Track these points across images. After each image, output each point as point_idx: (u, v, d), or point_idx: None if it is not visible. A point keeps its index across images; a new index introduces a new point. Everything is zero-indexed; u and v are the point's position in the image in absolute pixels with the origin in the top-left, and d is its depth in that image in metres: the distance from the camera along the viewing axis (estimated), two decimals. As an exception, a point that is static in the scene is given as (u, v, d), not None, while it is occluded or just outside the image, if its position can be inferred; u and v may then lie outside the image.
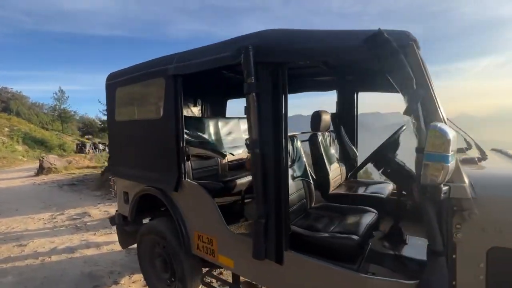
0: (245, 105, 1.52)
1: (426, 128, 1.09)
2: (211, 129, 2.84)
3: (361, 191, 2.48)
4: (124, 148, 2.59)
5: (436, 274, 1.09)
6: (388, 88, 2.40)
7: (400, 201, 1.92)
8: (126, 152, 2.57)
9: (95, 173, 10.59)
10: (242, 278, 1.95)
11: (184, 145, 2.03)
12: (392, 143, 1.74)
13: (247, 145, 1.77)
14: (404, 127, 1.83)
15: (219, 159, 2.69)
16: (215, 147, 2.72)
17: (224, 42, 1.73)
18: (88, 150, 24.14)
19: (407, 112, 1.15)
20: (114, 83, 2.62)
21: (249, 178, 2.29)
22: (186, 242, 2.05)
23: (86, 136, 37.04)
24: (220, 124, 2.97)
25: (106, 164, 14.73)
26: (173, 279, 2.35)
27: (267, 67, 1.46)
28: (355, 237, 1.47)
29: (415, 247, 1.72)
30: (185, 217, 2.07)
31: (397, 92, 2.65)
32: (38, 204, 6.22)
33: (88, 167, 13.20)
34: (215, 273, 2.33)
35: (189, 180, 2.05)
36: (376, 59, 1.16)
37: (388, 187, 2.50)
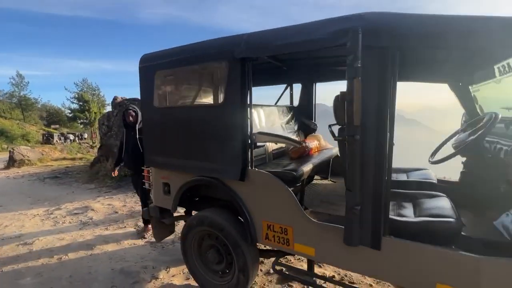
0: (341, 90, 1.48)
1: None
2: (263, 116, 2.75)
3: (405, 177, 2.57)
4: (167, 137, 2.41)
5: None
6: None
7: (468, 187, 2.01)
8: (169, 141, 2.40)
9: (78, 165, 9.86)
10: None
11: (252, 132, 1.94)
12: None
13: (339, 132, 1.74)
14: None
15: (265, 147, 2.62)
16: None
17: (314, 23, 1.65)
18: (56, 140, 22.40)
19: None
20: (152, 65, 2.40)
21: (310, 166, 2.27)
22: (253, 232, 1.99)
23: (53, 126, 34.17)
24: (267, 111, 2.89)
25: (89, 155, 13.83)
26: (227, 270, 2.30)
27: (374, 51, 1.42)
28: (452, 219, 1.53)
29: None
30: (251, 207, 2.00)
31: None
32: (24, 199, 5.66)
33: (65, 158, 12.25)
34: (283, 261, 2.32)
35: (257, 169, 1.98)
36: None
37: (427, 173, 2.61)
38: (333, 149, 3.06)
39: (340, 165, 3.24)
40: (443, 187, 2.31)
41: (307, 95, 3.43)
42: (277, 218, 1.90)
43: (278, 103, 3.44)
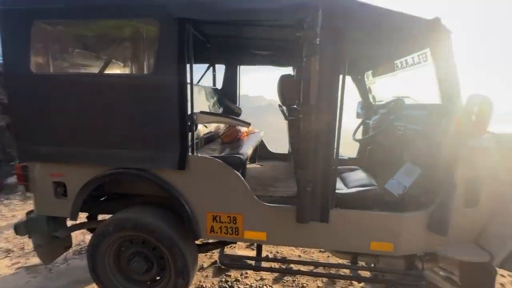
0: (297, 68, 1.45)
1: None
2: (203, 96, 2.36)
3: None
4: (58, 117, 1.72)
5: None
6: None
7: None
8: (64, 123, 1.72)
9: None
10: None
11: (193, 111, 1.64)
12: None
13: (290, 112, 1.70)
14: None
15: (198, 131, 2.32)
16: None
17: None
18: None
19: None
20: (27, 11, 1.62)
21: (250, 149, 2.16)
22: (195, 227, 1.74)
23: None
24: (195, 90, 2.53)
25: None
26: (158, 277, 1.94)
27: (331, 31, 1.44)
28: (377, 187, 1.82)
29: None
30: (193, 199, 1.73)
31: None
32: None
33: None
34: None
35: (200, 155, 1.70)
36: None
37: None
38: (260, 133, 3.09)
39: (264, 149, 3.34)
40: (352, 162, 2.77)
41: (231, 78, 3.29)
42: (225, 207, 1.73)
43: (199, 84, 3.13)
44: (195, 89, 2.31)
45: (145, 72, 1.78)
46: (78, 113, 1.68)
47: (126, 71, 2.20)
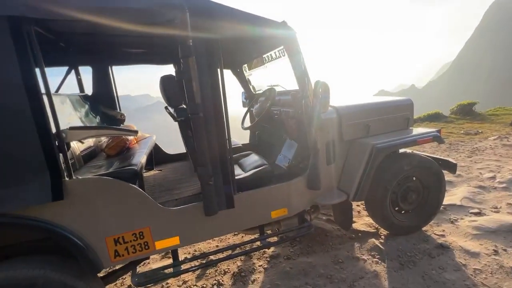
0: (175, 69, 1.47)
1: None
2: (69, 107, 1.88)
3: None
4: None
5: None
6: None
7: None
8: None
9: None
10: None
11: (59, 128, 1.37)
12: None
13: (178, 113, 1.69)
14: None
15: (71, 150, 1.92)
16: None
17: None
18: None
19: None
20: None
21: (143, 157, 2.00)
22: (95, 259, 1.52)
23: None
24: (57, 101, 2.01)
25: None
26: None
27: (201, 32, 1.51)
28: (267, 165, 2.12)
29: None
30: (84, 229, 1.49)
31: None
32: None
33: None
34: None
35: (81, 177, 1.46)
36: None
37: (234, 141, 3.32)
38: (152, 137, 2.90)
39: (160, 153, 3.18)
40: (246, 148, 3.06)
41: (103, 81, 2.86)
42: (127, 226, 1.58)
43: (59, 92, 2.56)
44: (56, 99, 1.92)
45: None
46: None
47: None
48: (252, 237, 2.44)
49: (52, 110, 1.33)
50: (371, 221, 2.77)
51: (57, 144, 1.36)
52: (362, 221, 2.89)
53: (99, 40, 2.35)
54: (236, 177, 1.92)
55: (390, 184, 2.26)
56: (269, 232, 2.28)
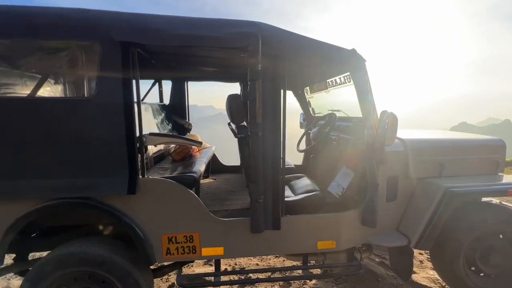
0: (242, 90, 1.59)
1: None
2: (150, 114, 2.27)
3: None
4: None
5: None
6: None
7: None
8: None
9: None
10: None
11: (142, 133, 1.62)
12: None
13: (239, 130, 1.81)
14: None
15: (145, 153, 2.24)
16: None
17: (216, 20, 1.60)
18: None
19: None
20: None
21: (203, 166, 2.19)
22: (150, 252, 1.69)
23: None
24: (142, 108, 2.44)
25: None
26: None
27: (270, 57, 1.61)
28: (318, 192, 2.05)
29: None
30: (146, 223, 1.68)
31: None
32: None
33: None
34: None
35: (151, 177, 1.68)
36: None
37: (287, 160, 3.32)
38: (212, 147, 3.13)
39: (216, 163, 3.39)
40: (298, 169, 3.03)
41: (179, 94, 3.27)
42: (181, 227, 1.72)
43: (144, 101, 3.03)
44: (142, 107, 2.26)
45: (85, 95, 1.67)
46: (6, 141, 1.49)
47: (59, 93, 2.02)
48: (294, 263, 2.34)
49: (139, 117, 1.59)
50: (436, 276, 2.36)
51: (138, 146, 1.60)
52: (425, 274, 2.48)
53: (181, 59, 2.73)
54: (285, 199, 1.91)
55: (466, 238, 1.91)
56: (313, 262, 2.16)
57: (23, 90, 2.02)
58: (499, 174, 2.20)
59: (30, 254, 2.01)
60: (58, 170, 1.54)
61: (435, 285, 2.32)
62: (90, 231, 1.84)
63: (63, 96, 2.07)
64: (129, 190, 1.58)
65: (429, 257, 2.48)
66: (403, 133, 2.32)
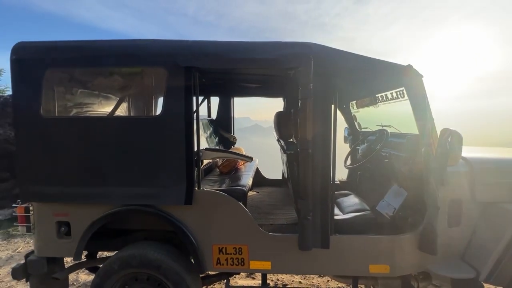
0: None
1: None
2: (201, 129, 2.47)
3: None
4: (65, 158, 1.77)
5: None
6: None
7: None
8: (70, 163, 1.78)
9: None
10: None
11: (199, 148, 1.76)
12: None
13: (288, 146, 1.85)
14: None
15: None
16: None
17: (268, 43, 1.71)
18: None
19: None
20: (40, 60, 1.73)
21: (250, 179, 2.27)
22: (202, 260, 1.78)
23: None
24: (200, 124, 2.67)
25: None
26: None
27: (321, 76, 1.65)
28: (369, 211, 1.96)
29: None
30: (200, 232, 1.79)
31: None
32: None
33: None
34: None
35: (206, 189, 1.80)
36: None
37: None
38: (255, 161, 3.22)
39: (259, 176, 3.46)
40: (343, 185, 2.93)
41: (225, 109, 3.47)
42: (231, 239, 1.80)
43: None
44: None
45: (154, 114, 1.90)
46: (86, 153, 1.75)
47: (131, 112, 2.31)
48: (341, 285, 2.24)
49: (197, 133, 1.74)
50: (512, 317, 2.03)
51: (195, 160, 1.74)
52: (497, 313, 2.16)
53: (228, 77, 2.91)
54: (334, 217, 1.87)
55: None
56: (362, 286, 2.04)
57: (99, 108, 2.36)
58: None
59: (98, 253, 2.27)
60: (127, 180, 1.75)
61: (511, 328, 2.00)
62: (149, 235, 2.01)
63: (135, 115, 2.37)
64: (186, 201, 1.71)
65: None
66: (468, 151, 2.12)
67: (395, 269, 1.77)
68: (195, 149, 1.75)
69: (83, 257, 2.24)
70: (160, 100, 1.81)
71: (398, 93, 2.13)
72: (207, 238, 1.80)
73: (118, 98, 2.40)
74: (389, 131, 2.45)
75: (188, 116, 1.70)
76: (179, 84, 1.69)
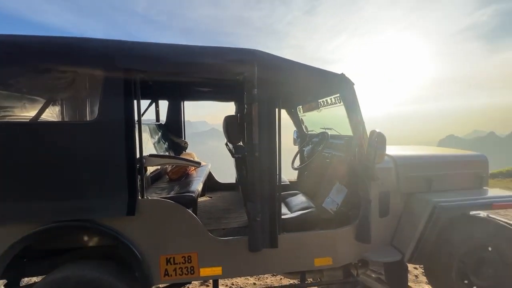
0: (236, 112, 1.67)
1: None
2: (147, 134, 2.31)
3: None
4: None
5: None
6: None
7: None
8: None
9: None
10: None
11: (142, 155, 1.66)
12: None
13: (236, 150, 1.87)
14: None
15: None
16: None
17: (215, 48, 1.70)
18: None
19: None
20: None
21: (200, 185, 2.21)
22: (148, 274, 1.68)
23: None
24: (146, 129, 2.48)
25: None
26: None
27: (265, 82, 1.71)
28: (314, 209, 2.10)
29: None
30: (144, 244, 1.69)
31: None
32: None
33: None
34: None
35: (150, 198, 1.70)
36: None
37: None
38: (208, 165, 3.17)
39: (212, 180, 3.42)
40: (293, 185, 3.08)
41: (175, 113, 3.35)
42: (179, 248, 1.73)
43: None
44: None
45: (88, 119, 1.73)
46: (7, 164, 1.50)
47: (60, 116, 2.06)
48: (292, 281, 2.34)
49: (140, 139, 1.64)
50: (431, 290, 2.39)
51: (137, 167, 1.64)
52: (420, 288, 2.52)
53: (177, 80, 2.82)
54: (282, 217, 1.95)
55: (457, 251, 1.97)
56: (310, 280, 2.17)
57: (22, 113, 2.05)
58: (484, 188, 2.31)
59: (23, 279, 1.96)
60: (59, 193, 1.56)
61: (430, 300, 2.35)
62: (86, 253, 1.82)
63: (64, 119, 2.12)
64: (128, 212, 1.60)
65: (423, 271, 2.52)
66: (393, 149, 2.43)
67: (337, 260, 1.93)
68: (138, 155, 1.65)
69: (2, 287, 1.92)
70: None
71: (336, 98, 2.34)
72: (153, 250, 1.71)
73: (57, 104, 2.13)
74: (330, 133, 2.67)
75: (129, 121, 1.59)
76: (118, 87, 1.57)
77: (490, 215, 2.29)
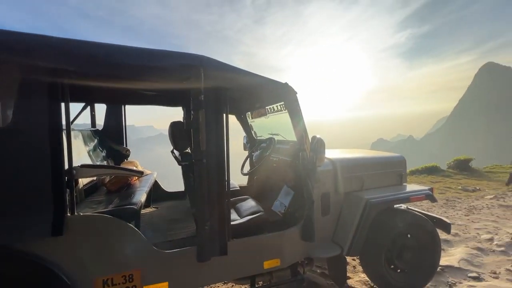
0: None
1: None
2: (80, 142, 2.00)
3: None
4: None
5: None
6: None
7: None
8: None
9: None
10: None
11: (72, 166, 1.47)
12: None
13: (182, 158, 1.80)
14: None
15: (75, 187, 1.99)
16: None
17: (161, 51, 1.59)
18: None
19: None
20: None
21: (143, 195, 2.05)
22: None
23: None
24: (79, 136, 2.15)
25: None
26: None
27: (212, 88, 1.70)
28: (262, 212, 2.15)
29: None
30: (76, 267, 1.48)
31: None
32: None
33: None
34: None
35: (82, 214, 1.50)
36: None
37: (232, 182, 3.38)
38: (153, 174, 2.97)
39: (158, 190, 3.22)
40: (244, 190, 3.11)
41: (115, 117, 3.05)
42: (119, 267, 1.57)
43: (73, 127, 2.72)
44: (71, 135, 2.04)
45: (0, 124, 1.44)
46: None
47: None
48: (243, 287, 2.35)
49: (68, 148, 1.45)
50: (367, 278, 2.68)
51: (66, 180, 1.44)
52: (358, 278, 2.79)
53: (117, 81, 2.59)
54: (231, 223, 1.95)
55: (384, 240, 2.26)
56: (260, 283, 2.21)
57: None
58: (404, 184, 2.70)
59: None
60: None
61: (366, 287, 2.62)
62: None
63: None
64: (54, 231, 1.39)
65: (359, 262, 2.80)
66: (332, 153, 2.67)
67: (285, 261, 2.01)
68: (67, 166, 1.45)
69: None
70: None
71: (281, 105, 2.47)
72: (86, 272, 1.51)
73: None
74: (276, 138, 2.79)
75: (54, 127, 1.39)
76: (39, 88, 1.37)
77: (409, 207, 2.70)
